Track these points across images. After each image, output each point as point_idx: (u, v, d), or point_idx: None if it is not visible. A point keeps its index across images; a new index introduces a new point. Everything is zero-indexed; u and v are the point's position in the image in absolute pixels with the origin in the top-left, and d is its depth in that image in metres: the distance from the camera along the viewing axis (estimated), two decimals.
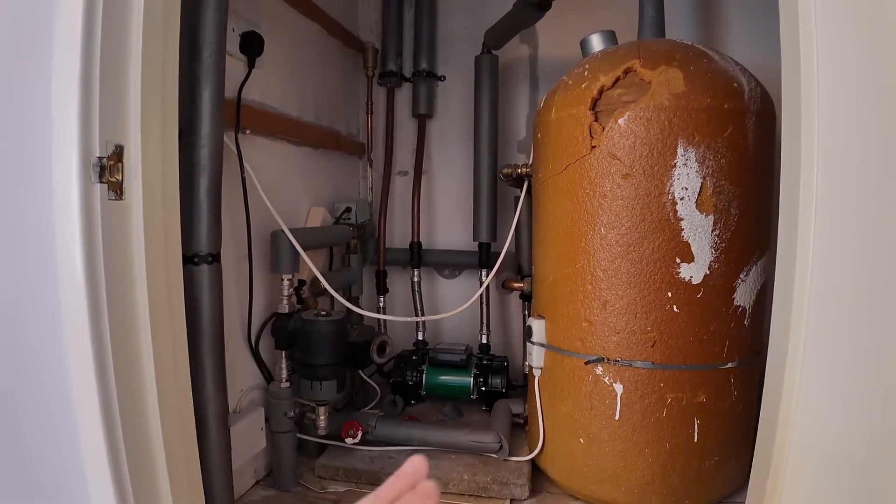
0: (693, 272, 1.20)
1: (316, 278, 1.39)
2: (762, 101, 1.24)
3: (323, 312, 1.27)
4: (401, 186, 2.00)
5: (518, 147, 1.94)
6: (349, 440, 1.41)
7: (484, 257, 1.76)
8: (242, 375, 1.36)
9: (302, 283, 1.35)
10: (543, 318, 1.36)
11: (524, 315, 1.76)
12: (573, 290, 1.27)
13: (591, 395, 1.26)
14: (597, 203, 1.23)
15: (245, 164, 1.27)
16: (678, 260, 1.19)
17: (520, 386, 1.74)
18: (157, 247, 0.89)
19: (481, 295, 1.77)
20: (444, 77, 1.98)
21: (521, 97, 1.94)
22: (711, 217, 1.19)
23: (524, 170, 1.56)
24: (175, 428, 0.91)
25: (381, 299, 1.87)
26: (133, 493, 0.82)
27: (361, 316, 1.75)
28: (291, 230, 1.32)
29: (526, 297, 1.76)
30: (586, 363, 1.24)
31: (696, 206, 1.19)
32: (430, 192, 2.00)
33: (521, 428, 1.59)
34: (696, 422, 1.24)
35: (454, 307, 1.99)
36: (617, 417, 1.24)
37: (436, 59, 1.96)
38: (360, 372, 1.70)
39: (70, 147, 0.76)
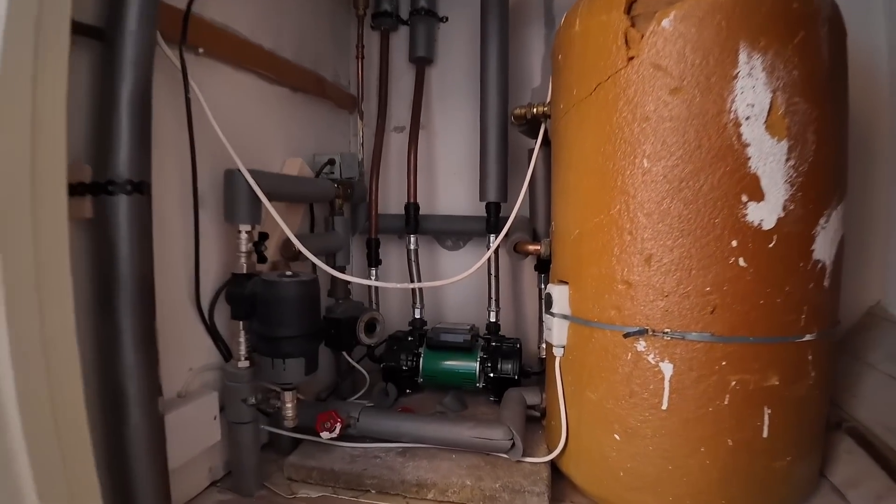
0: (764, 214, 0.91)
1: (289, 240, 1.12)
2: (832, 7, 0.97)
3: (288, 273, 1.00)
4: (396, 144, 1.73)
5: (532, 95, 1.66)
6: (325, 435, 1.13)
7: (492, 220, 1.47)
8: (192, 351, 1.09)
9: (264, 237, 1.08)
10: (566, 283, 1.08)
11: (539, 290, 1.48)
12: (606, 243, 0.99)
13: (629, 378, 0.98)
14: (637, 128, 0.95)
15: (192, 83, 1.01)
16: (744, 198, 0.91)
17: (535, 373, 1.46)
18: (17, 158, 0.62)
19: (489, 266, 1.49)
20: (447, 18, 1.71)
21: (534, 38, 1.66)
22: (784, 143, 0.91)
23: (540, 109, 1.28)
24: (47, 411, 0.64)
25: (373, 272, 1.59)
26: None
27: (348, 291, 1.48)
28: (253, 172, 1.05)
29: (542, 268, 1.47)
30: (625, 336, 0.96)
31: (766, 128, 0.91)
32: (429, 150, 1.72)
33: (537, 422, 1.31)
34: (767, 411, 0.95)
35: (458, 286, 1.71)
36: (664, 407, 0.95)
37: None
38: (346, 355, 1.43)
39: None
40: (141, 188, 0.86)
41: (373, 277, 1.60)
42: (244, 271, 1.05)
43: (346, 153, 1.46)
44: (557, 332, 1.08)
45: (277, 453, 1.25)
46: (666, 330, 0.94)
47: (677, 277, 0.93)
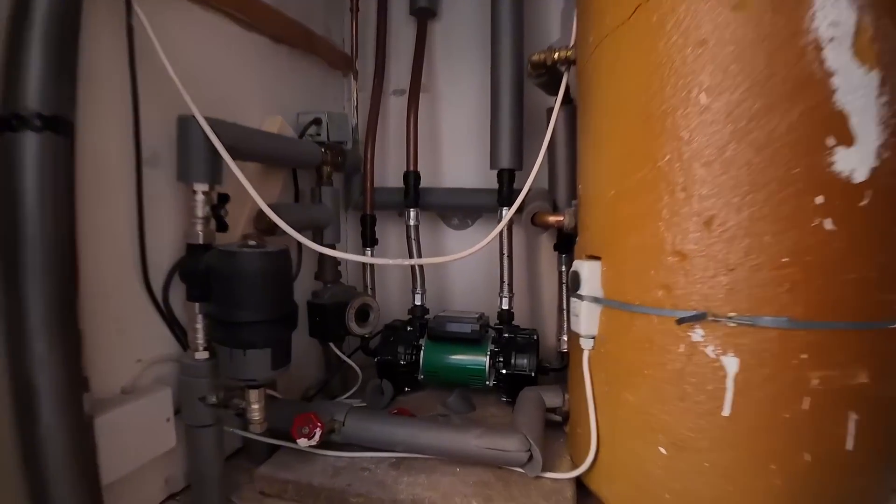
0: (854, 163, 0.71)
1: (263, 211, 0.92)
2: None
3: (252, 242, 0.81)
4: (396, 109, 1.53)
5: None
6: (303, 442, 0.94)
7: (505, 191, 1.27)
8: (141, 339, 0.90)
9: (224, 199, 0.89)
10: (598, 258, 0.88)
11: (560, 273, 1.27)
12: (652, 204, 0.78)
13: (681, 376, 0.77)
14: (691, 56, 0.75)
15: (137, 9, 0.82)
16: (831, 141, 0.71)
17: (554, 369, 1.25)
18: None
19: (501, 244, 1.28)
20: None
21: None
22: (876, 74, 0.71)
23: (563, 53, 1.08)
24: None
25: (369, 252, 1.39)
26: None
27: (338, 274, 1.29)
28: (213, 120, 0.86)
29: (563, 246, 1.27)
30: (679, 322, 0.75)
31: (853, 54, 0.70)
32: (433, 117, 1.52)
33: (558, 429, 1.11)
34: (853, 417, 0.75)
35: (465, 268, 1.53)
36: (725, 412, 0.75)
37: None
38: (334, 347, 1.23)
39: None
40: (56, 126, 0.67)
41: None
42: (200, 241, 0.86)
43: (334, 112, 1.26)
44: (587, 319, 0.88)
45: (251, 461, 1.06)
46: (731, 314, 0.73)
47: (746, 245, 0.73)
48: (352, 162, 1.38)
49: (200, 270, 0.82)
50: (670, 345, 0.78)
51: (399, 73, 1.52)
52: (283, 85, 1.27)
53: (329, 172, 1.26)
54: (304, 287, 1.28)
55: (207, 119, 0.85)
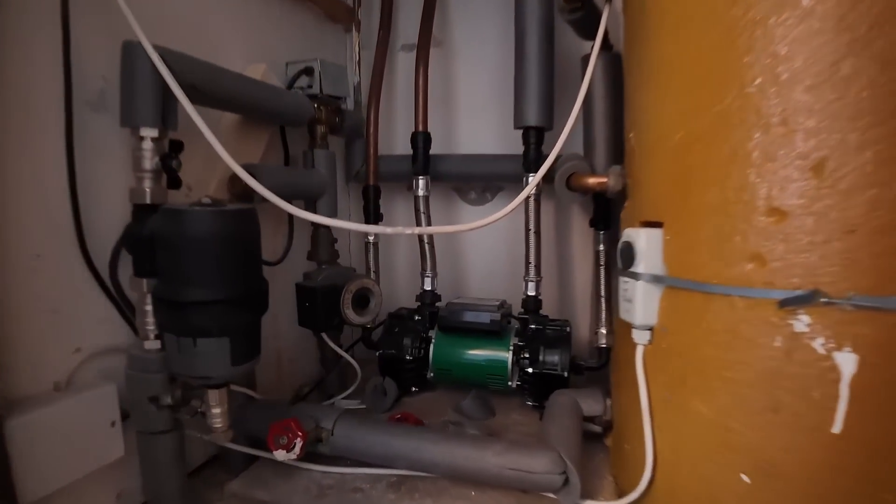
0: None
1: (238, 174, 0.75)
2: None
3: (205, 200, 0.63)
4: (405, 67, 1.34)
5: None
6: (280, 454, 0.76)
7: (532, 154, 1.07)
8: (81, 323, 0.73)
9: (177, 147, 0.71)
10: (659, 224, 0.68)
11: (597, 253, 1.07)
12: (737, 146, 0.59)
13: (775, 379, 0.58)
14: None
15: None
16: None
17: (591, 368, 1.06)
18: None
19: (527, 218, 1.09)
20: None
21: None
22: None
23: None
24: None
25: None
26: None
27: (334, 253, 1.11)
28: (165, 50, 0.68)
29: (601, 221, 1.07)
30: (782, 305, 0.55)
31: None
32: (448, 74, 1.33)
33: (597, 441, 0.91)
34: None
35: (483, 247, 1.33)
36: (837, 427, 0.56)
37: None
38: (326, 338, 1.05)
39: None
40: None
41: (370, 238, 1.22)
42: (147, 201, 0.68)
43: (328, 61, 1.07)
44: (643, 304, 0.68)
45: (228, 472, 0.89)
46: (849, 294, 0.53)
47: (870, 198, 0.53)
48: (352, 125, 1.20)
49: (145, 237, 0.65)
50: (761, 337, 0.58)
51: (408, 25, 1.33)
52: (271, 34, 1.09)
53: (324, 133, 1.07)
54: (296, 269, 1.11)
55: (159, 47, 0.68)
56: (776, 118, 0.56)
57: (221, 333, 0.62)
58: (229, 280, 0.62)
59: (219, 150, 0.67)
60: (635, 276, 0.68)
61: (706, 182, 0.61)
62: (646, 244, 0.67)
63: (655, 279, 0.66)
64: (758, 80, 0.57)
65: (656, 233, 0.67)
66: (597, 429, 0.91)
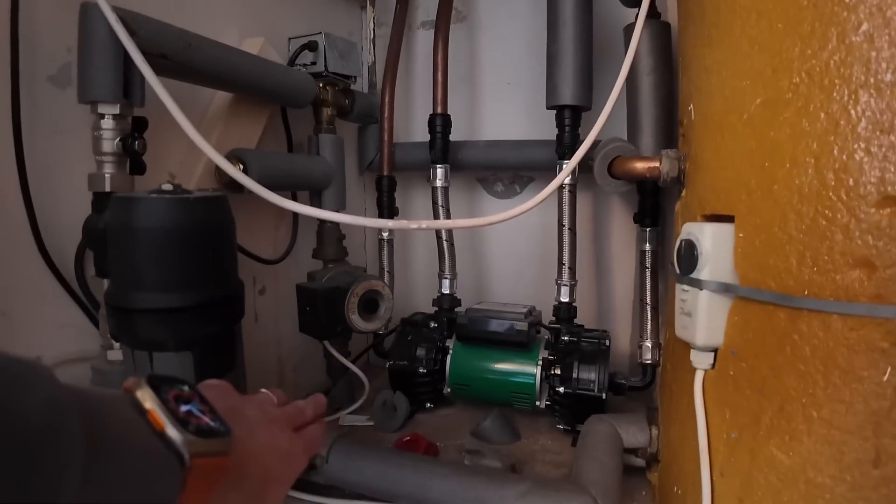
0: None
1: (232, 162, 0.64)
2: None
3: (166, 186, 0.52)
4: (424, 47, 1.22)
5: None
6: None
7: (567, 138, 0.93)
8: (42, 327, 0.65)
9: (140, 125, 0.61)
10: (729, 218, 0.54)
11: (643, 252, 0.94)
12: (836, 116, 0.44)
13: (881, 422, 0.44)
14: None
15: None
16: None
17: (634, 388, 0.92)
18: None
19: (561, 214, 0.95)
20: None
21: None
22: None
23: None
24: None
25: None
26: None
27: (342, 251, 1.00)
28: (129, 13, 0.59)
29: (647, 216, 0.93)
30: None
31: None
32: (471, 52, 1.20)
33: (639, 475, 0.78)
34: None
35: (509, 246, 1.20)
36: None
37: None
38: (329, 346, 0.95)
39: None
40: None
41: (383, 234, 1.11)
42: (107, 188, 0.58)
43: (335, 35, 0.96)
44: (707, 320, 0.54)
45: None
46: None
47: None
48: (365, 109, 1.09)
49: (99, 230, 0.55)
50: (866, 368, 0.44)
51: (429, 0, 1.21)
52: (274, 8, 0.99)
53: (330, 116, 0.97)
54: (303, 267, 1.01)
55: (120, 9, 0.58)
56: (892, 75, 0.42)
57: (181, 347, 0.52)
58: (190, 283, 0.52)
59: (186, 128, 0.57)
60: (697, 283, 0.54)
61: (795, 162, 0.47)
62: (712, 243, 0.53)
63: (724, 288, 0.52)
64: (863, 27, 0.43)
65: (725, 229, 0.53)
66: (639, 462, 0.77)
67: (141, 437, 0.29)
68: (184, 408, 0.32)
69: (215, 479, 0.33)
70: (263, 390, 0.46)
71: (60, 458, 0.22)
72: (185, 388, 0.34)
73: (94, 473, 0.24)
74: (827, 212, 0.45)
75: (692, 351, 0.56)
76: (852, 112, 0.44)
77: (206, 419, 0.33)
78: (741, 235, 0.51)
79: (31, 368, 0.23)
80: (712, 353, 0.55)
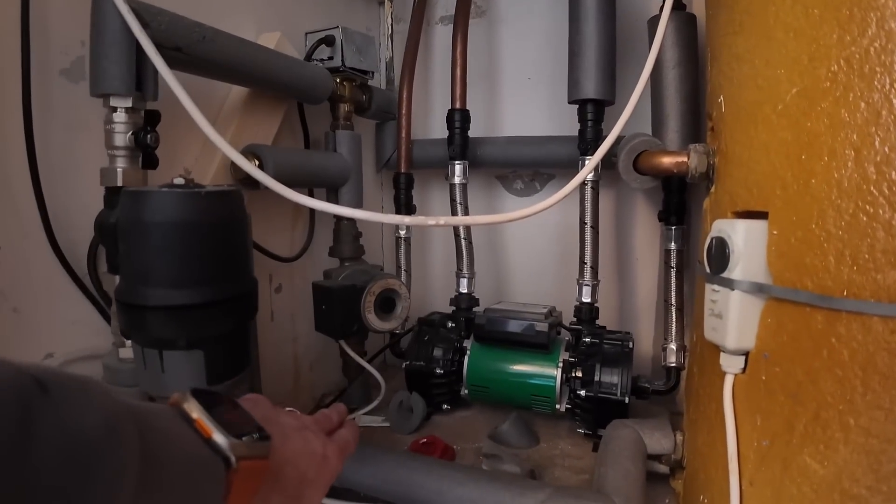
0: None
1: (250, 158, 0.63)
2: None
3: (177, 181, 0.52)
4: (443, 43, 1.21)
5: None
6: None
7: (589, 133, 0.92)
8: (53, 324, 0.65)
9: (153, 119, 0.61)
10: (762, 214, 0.51)
11: (669, 252, 0.91)
12: (878, 105, 0.42)
13: None
14: None
15: None
16: None
17: (658, 391, 0.90)
18: None
19: (583, 212, 0.94)
20: None
21: None
22: None
23: None
24: None
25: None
26: None
27: (359, 249, 1.00)
28: (141, 5, 0.59)
29: (672, 214, 0.91)
30: None
31: None
32: (491, 47, 1.19)
33: (662, 482, 0.76)
34: None
35: (529, 247, 1.19)
36: None
37: None
38: (345, 345, 0.94)
39: None
40: None
41: (400, 232, 1.10)
42: (119, 183, 0.59)
43: (352, 30, 0.95)
44: (738, 322, 0.52)
45: None
46: None
47: None
48: (383, 105, 1.08)
49: (110, 225, 0.55)
50: None
51: None
52: (290, 3, 0.99)
53: (348, 112, 0.96)
54: (320, 265, 1.01)
55: (133, 1, 0.58)
56: None
57: (192, 346, 0.51)
58: (201, 279, 0.51)
59: (199, 122, 0.57)
60: (729, 283, 0.52)
61: (834, 154, 0.45)
62: (744, 241, 0.51)
63: (757, 288, 0.50)
64: None
65: (759, 226, 0.51)
66: (663, 469, 0.75)
67: (190, 444, 0.32)
68: (226, 416, 0.35)
69: (258, 481, 0.35)
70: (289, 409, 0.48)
71: (118, 467, 0.24)
72: (225, 399, 0.37)
73: (148, 479, 0.27)
74: (868, 207, 0.43)
75: (722, 354, 0.54)
76: (895, 101, 0.42)
77: (247, 426, 0.36)
78: (775, 232, 0.49)
79: (88, 385, 0.25)
80: (743, 357, 0.53)
